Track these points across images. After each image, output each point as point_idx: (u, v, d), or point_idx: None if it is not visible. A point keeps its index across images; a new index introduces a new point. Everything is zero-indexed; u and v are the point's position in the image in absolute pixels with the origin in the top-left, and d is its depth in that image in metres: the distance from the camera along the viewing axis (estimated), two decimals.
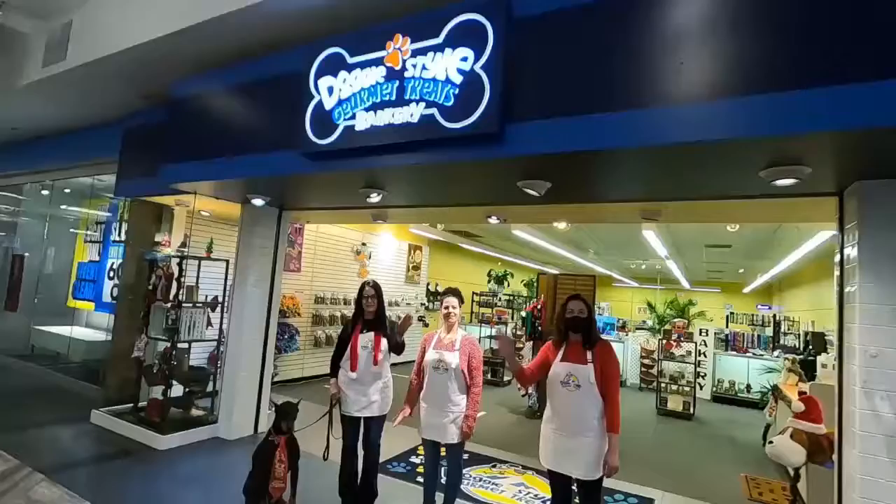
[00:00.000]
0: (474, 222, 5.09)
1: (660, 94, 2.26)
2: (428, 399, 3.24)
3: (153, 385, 5.15)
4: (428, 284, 11.88)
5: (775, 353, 9.06)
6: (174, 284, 5.04)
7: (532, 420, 6.82)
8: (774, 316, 9.78)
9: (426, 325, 11.40)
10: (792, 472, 3.97)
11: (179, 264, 5.05)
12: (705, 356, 9.23)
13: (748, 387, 9.11)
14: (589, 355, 2.73)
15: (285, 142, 3.50)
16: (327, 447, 3.43)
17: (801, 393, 4.80)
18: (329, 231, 8.62)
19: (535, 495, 4.11)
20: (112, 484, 3.82)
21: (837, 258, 2.96)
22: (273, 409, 3.42)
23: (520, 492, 4.15)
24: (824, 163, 2.48)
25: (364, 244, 9.44)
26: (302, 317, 7.87)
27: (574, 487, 2.77)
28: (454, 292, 3.35)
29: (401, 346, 3.55)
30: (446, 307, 3.30)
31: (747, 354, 9.24)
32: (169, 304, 5.00)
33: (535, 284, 14.88)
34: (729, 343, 9.52)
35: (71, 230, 8.19)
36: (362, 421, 3.48)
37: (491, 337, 8.54)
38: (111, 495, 3.62)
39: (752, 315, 9.98)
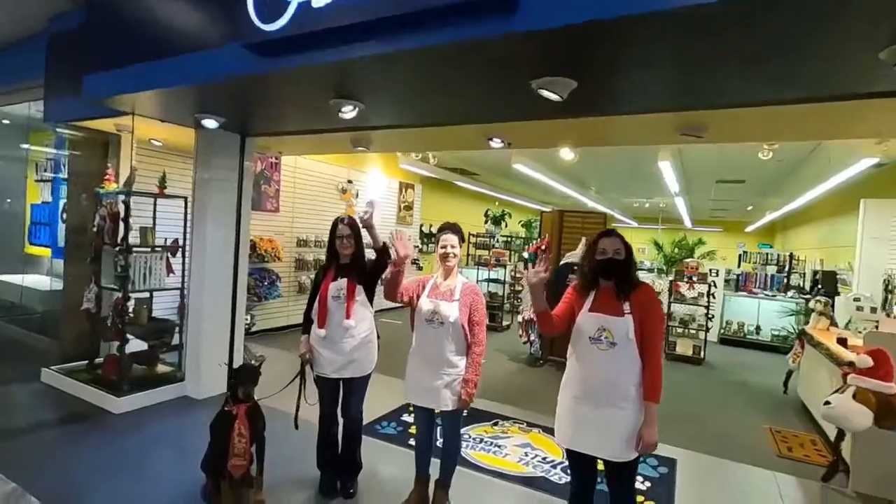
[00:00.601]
0: (473, 147, 4.32)
1: None
2: (419, 358, 2.63)
3: (108, 341, 4.54)
4: (421, 226, 11.18)
5: (789, 293, 8.58)
6: (121, 226, 4.30)
7: (534, 368, 6.36)
8: (791, 254, 9.21)
9: (420, 269, 10.80)
10: (836, 431, 3.48)
11: (126, 202, 4.29)
12: (714, 297, 8.74)
13: (758, 328, 8.70)
14: (626, 305, 2.08)
15: (223, 32, 2.66)
16: (297, 414, 2.86)
17: (840, 340, 4.27)
18: (310, 167, 7.77)
19: (543, 458, 3.63)
20: (45, 460, 3.24)
21: None
22: (225, 367, 2.81)
23: (525, 454, 3.66)
24: None
25: (350, 182, 8.62)
26: (283, 261, 7.20)
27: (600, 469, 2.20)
28: (453, 228, 2.65)
29: (384, 250, 2.78)
30: (444, 246, 2.61)
31: (758, 295, 8.75)
32: (117, 249, 4.29)
33: (533, 224, 14.27)
34: (739, 283, 9.00)
35: (19, 168, 7.30)
36: (341, 383, 2.90)
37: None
38: (42, 474, 3.06)
39: (768, 254, 9.42)
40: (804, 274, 9.45)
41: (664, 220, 17.10)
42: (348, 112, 3.16)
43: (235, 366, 2.89)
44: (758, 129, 3.44)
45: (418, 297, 2.62)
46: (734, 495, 3.32)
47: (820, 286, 8.64)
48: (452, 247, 2.58)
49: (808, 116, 2.91)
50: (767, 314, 8.68)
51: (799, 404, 5.25)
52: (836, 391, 3.08)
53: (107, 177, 4.55)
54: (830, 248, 9.68)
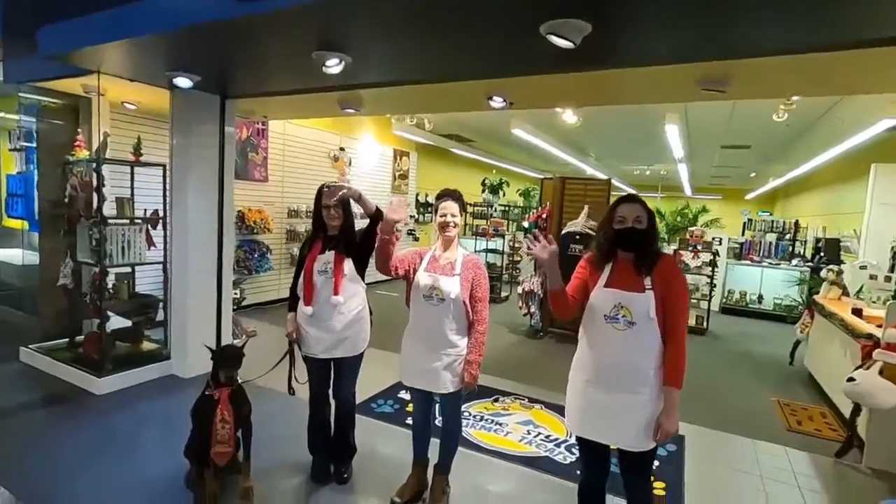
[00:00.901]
0: (472, 108, 4.01)
1: None
2: (416, 337, 2.41)
3: (87, 318, 4.31)
4: (417, 195, 10.86)
5: (794, 262, 8.41)
6: (94, 196, 4.00)
7: (534, 340, 6.21)
8: (796, 222, 8.98)
9: (416, 240, 10.55)
10: (852, 406, 3.33)
11: (97, 170, 3.98)
12: (717, 266, 8.56)
13: (760, 297, 8.57)
14: (647, 280, 1.85)
15: None
16: (290, 383, 2.67)
17: (855, 311, 4.09)
18: (299, 133, 7.40)
19: (546, 436, 3.47)
20: (20, 447, 3.04)
21: None
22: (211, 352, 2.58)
23: (528, 433, 3.51)
24: None
25: (342, 149, 8.26)
26: (273, 233, 6.93)
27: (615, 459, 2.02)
28: (453, 195, 2.38)
29: (377, 214, 2.47)
30: (443, 215, 2.34)
31: (762, 264, 8.58)
32: (91, 221, 4.00)
33: (531, 193, 13.96)
34: (743, 251, 8.81)
35: None
36: (331, 364, 2.69)
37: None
38: (16, 462, 2.88)
39: (773, 222, 9.19)
40: (805, 242, 9.27)
41: (663, 187, 16.81)
42: (333, 66, 2.84)
43: (222, 345, 2.65)
44: (784, 81, 3.13)
45: (415, 270, 2.38)
46: (746, 474, 3.18)
47: (822, 254, 8.47)
48: (453, 215, 2.33)
49: (840, 65, 2.62)
50: (769, 283, 8.53)
51: (806, 375, 5.12)
52: (860, 367, 2.92)
53: (77, 143, 4.22)
54: (834, 215, 9.47)
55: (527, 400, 4.09)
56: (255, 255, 6.58)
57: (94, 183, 3.98)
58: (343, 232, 2.59)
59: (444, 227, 2.34)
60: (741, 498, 2.89)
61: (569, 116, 6.09)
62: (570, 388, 2.02)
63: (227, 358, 2.52)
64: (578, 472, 2.96)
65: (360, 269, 2.66)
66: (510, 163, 13.95)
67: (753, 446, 3.54)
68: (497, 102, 3.54)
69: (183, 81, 3.48)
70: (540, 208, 6.54)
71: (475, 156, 12.01)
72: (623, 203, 1.92)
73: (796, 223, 8.88)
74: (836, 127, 7.03)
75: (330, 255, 2.54)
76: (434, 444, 2.61)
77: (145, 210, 4.36)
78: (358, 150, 8.74)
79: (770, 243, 8.85)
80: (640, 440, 1.85)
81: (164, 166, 4.34)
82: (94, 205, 3.99)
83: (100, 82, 3.66)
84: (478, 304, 2.32)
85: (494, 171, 13.15)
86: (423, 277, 2.34)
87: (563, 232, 5.83)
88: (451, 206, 2.33)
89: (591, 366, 1.93)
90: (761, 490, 2.98)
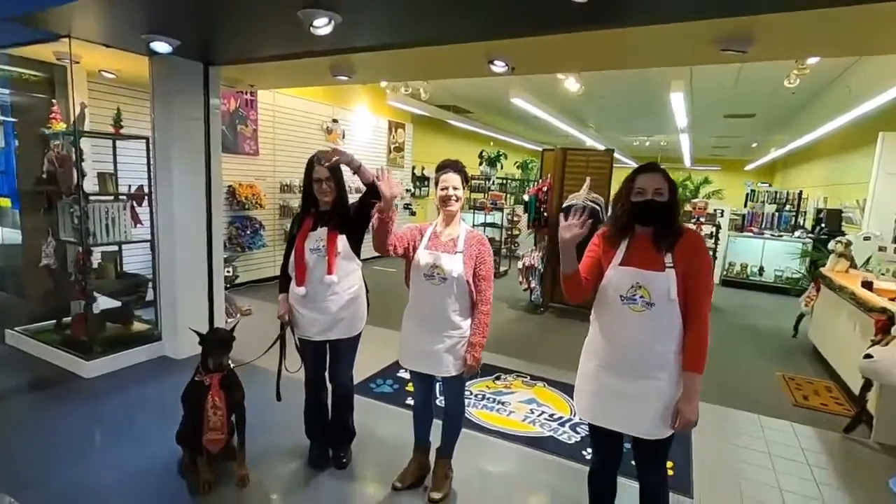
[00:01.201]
0: (472, 74, 3.79)
1: None
2: (417, 318, 2.27)
3: (73, 299, 4.15)
4: (413, 168, 10.61)
5: (796, 233, 8.29)
6: (74, 171, 3.79)
7: (535, 315, 6.11)
8: (800, 192, 8.82)
9: (413, 214, 10.37)
10: (863, 381, 3.25)
11: (75, 144, 3.75)
12: (719, 239, 8.45)
13: (761, 269, 8.48)
14: (668, 258, 1.71)
15: None
16: (279, 384, 2.53)
17: (865, 283, 3.98)
18: (290, 104, 7.12)
19: (550, 415, 3.39)
20: (1, 435, 2.95)
21: None
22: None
23: (531, 412, 3.43)
24: None
25: (335, 121, 7.98)
26: (265, 208, 6.73)
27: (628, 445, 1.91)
28: (455, 166, 2.20)
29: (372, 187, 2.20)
30: (444, 188, 2.18)
31: (764, 235, 8.46)
32: (71, 198, 3.81)
33: (529, 166, 13.72)
34: (745, 223, 8.68)
35: None
36: (327, 346, 2.56)
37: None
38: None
39: (776, 192, 9.03)
40: (805, 213, 9.15)
41: (662, 159, 16.58)
42: (322, 27, 2.62)
43: (210, 329, 2.51)
44: (806, 39, 2.91)
45: (415, 248, 2.22)
46: (754, 450, 3.12)
47: (823, 225, 8.35)
48: (455, 188, 2.16)
49: (866, 21, 2.43)
50: (770, 255, 8.44)
51: (810, 349, 5.06)
52: (877, 343, 2.81)
53: (52, 115, 3.98)
54: (836, 185, 9.32)
55: (529, 377, 4.01)
56: (248, 232, 6.41)
57: (73, 157, 3.77)
58: (336, 207, 2.42)
59: (445, 200, 2.17)
60: (751, 476, 2.82)
61: (571, 84, 5.84)
62: (582, 373, 1.89)
63: (214, 343, 2.38)
64: (584, 452, 2.91)
65: (355, 245, 2.50)
66: (508, 134, 13.66)
67: (760, 422, 3.48)
68: (499, 67, 3.32)
69: (161, 46, 3.24)
70: (541, 181, 6.34)
71: (472, 127, 11.71)
72: (642, 173, 1.75)
73: (800, 194, 8.71)
74: (844, 95, 6.82)
75: (322, 232, 2.38)
76: (436, 426, 2.51)
77: (130, 186, 4.16)
78: (352, 121, 8.45)
79: (771, 215, 8.71)
80: (657, 428, 1.73)
81: (146, 139, 4.12)
82: (74, 180, 3.79)
83: (71, 48, 3.41)
84: (482, 283, 2.18)
85: (492, 144, 12.90)
86: (423, 255, 2.19)
87: (564, 205, 5.66)
88: (452, 179, 2.16)
89: (605, 350, 1.80)
90: (770, 468, 2.92)
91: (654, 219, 1.72)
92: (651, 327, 1.70)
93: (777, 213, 8.67)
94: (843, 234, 7.13)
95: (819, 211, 8.72)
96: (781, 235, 8.35)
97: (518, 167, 14.23)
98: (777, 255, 8.29)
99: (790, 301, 6.85)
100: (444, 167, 2.19)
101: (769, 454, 3.08)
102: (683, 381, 1.71)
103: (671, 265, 1.69)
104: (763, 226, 8.63)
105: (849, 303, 3.97)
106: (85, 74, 4.61)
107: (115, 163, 4.22)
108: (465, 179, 2.21)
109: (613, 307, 1.75)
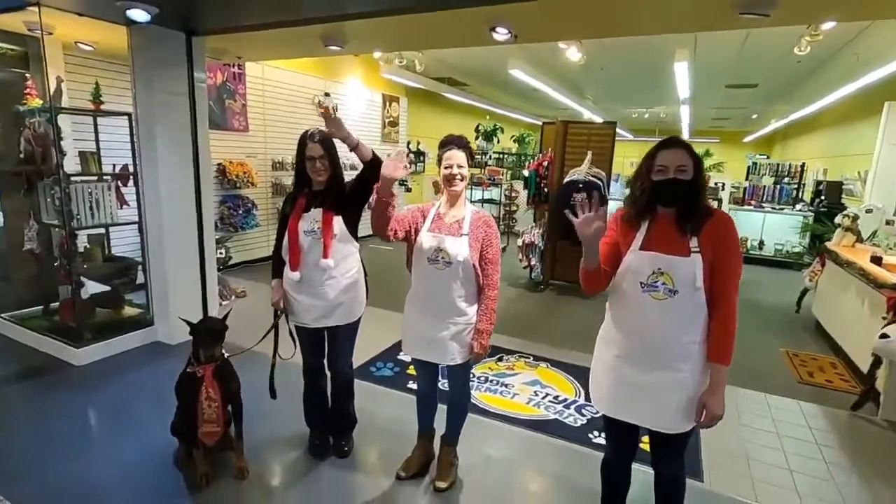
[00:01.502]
0: (473, 43, 3.58)
1: None
2: (420, 304, 2.15)
3: (60, 285, 4.01)
4: (409, 143, 10.36)
5: (797, 206, 8.20)
6: (52, 150, 3.60)
7: (535, 293, 6.03)
8: (802, 164, 8.69)
9: (409, 191, 10.18)
10: (872, 358, 3.20)
11: (52, 121, 3.55)
12: None
13: (761, 243, 8.42)
14: (693, 242, 1.58)
15: None
16: (272, 379, 2.42)
17: (874, 258, 3.90)
18: (279, 77, 6.84)
19: (555, 397, 3.33)
20: None
21: None
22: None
23: (535, 394, 3.36)
24: None
25: (327, 94, 7.71)
26: (257, 187, 6.53)
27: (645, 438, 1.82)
28: (459, 142, 2.04)
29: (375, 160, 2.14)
30: (448, 166, 2.02)
31: (764, 209, 8.36)
32: (51, 178, 3.62)
33: (526, 140, 13.46)
34: (747, 196, 8.57)
35: None
36: (325, 332, 2.44)
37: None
38: None
39: (778, 165, 8.90)
40: (804, 185, 9.04)
41: (661, 131, 16.33)
42: None
43: (200, 318, 2.38)
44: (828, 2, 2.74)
45: (417, 231, 2.09)
46: (761, 429, 3.08)
47: (823, 197, 8.25)
48: (459, 166, 2.01)
49: None
50: (771, 228, 8.36)
51: (813, 324, 5.02)
52: (890, 322, 2.74)
53: (27, 91, 3.75)
54: (837, 157, 9.19)
55: (531, 358, 3.93)
56: (240, 212, 6.23)
57: (51, 136, 3.57)
58: (331, 186, 2.27)
59: (449, 179, 2.03)
60: (760, 456, 2.78)
61: (573, 54, 5.61)
62: (597, 364, 1.79)
63: (204, 334, 2.26)
64: (590, 435, 2.85)
65: (352, 226, 2.36)
66: (504, 108, 13.35)
67: (766, 401, 3.44)
68: (501, 34, 3.12)
69: (139, 14, 3.02)
70: (541, 155, 6.17)
71: (468, 101, 11.42)
72: (663, 149, 1.62)
73: (802, 166, 8.58)
74: (852, 62, 6.61)
75: (317, 213, 2.23)
76: (440, 412, 2.43)
77: (114, 165, 3.97)
78: (344, 95, 8.18)
79: (769, 187, 8.60)
80: (678, 421, 1.64)
81: (129, 115, 3.90)
82: (54, 160, 3.60)
83: (41, 17, 3.17)
84: (488, 267, 2.06)
85: (488, 117, 12.60)
86: (426, 238, 2.05)
87: (566, 181, 5.51)
88: (457, 156, 2.01)
89: (623, 339, 1.69)
90: (779, 448, 2.88)
91: (677, 199, 1.60)
92: (674, 316, 1.59)
93: (777, 186, 8.55)
94: (842, 206, 7.03)
95: (818, 183, 8.61)
96: (782, 209, 8.26)
97: (515, 141, 13.97)
98: (778, 229, 8.21)
99: (791, 275, 6.81)
100: (447, 143, 2.04)
101: (777, 434, 3.03)
102: (710, 373, 1.61)
103: (697, 249, 1.57)
104: (763, 199, 8.52)
105: (857, 279, 3.89)
106: (60, 47, 4.34)
107: (97, 141, 4.02)
108: (471, 156, 2.06)
109: (633, 294, 1.64)
